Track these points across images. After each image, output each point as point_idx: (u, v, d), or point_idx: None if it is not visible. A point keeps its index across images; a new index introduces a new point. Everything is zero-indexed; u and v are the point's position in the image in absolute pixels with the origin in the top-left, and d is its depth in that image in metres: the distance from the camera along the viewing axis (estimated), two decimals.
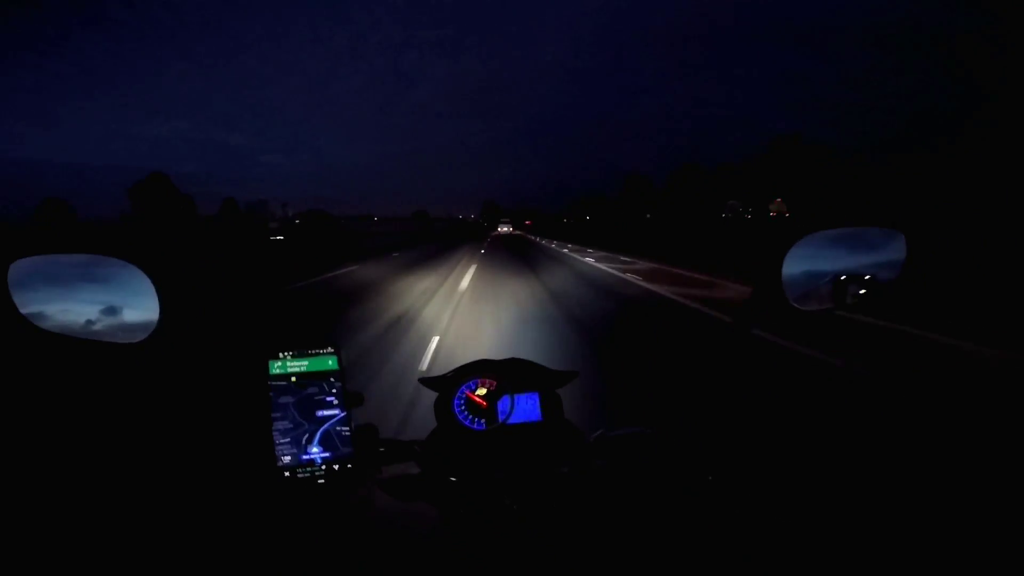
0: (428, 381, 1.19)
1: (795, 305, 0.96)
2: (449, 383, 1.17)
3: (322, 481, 0.96)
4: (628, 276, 15.32)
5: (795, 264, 0.97)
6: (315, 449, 0.97)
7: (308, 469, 0.96)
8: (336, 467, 0.97)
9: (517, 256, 25.57)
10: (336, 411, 0.99)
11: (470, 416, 1.15)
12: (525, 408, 1.16)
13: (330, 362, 1.00)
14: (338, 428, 0.98)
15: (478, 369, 1.19)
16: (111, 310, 0.94)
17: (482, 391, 1.16)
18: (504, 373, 1.17)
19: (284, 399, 0.97)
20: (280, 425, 0.96)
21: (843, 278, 1.00)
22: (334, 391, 0.99)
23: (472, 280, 14.50)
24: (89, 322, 0.94)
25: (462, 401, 1.16)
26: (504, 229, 75.22)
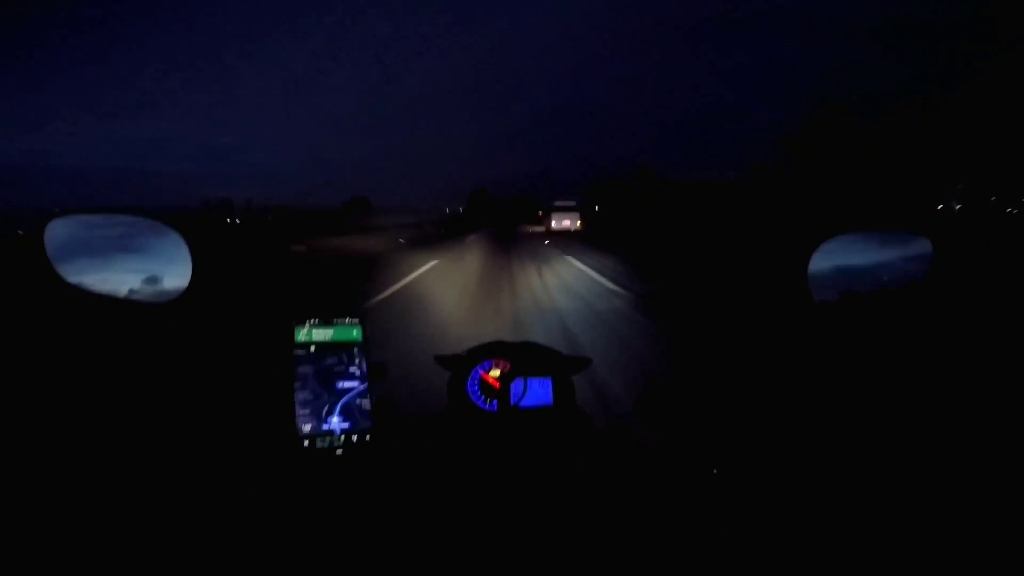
0: (443, 360, 1.20)
1: (822, 306, 0.96)
2: (464, 363, 1.18)
3: (340, 452, 0.98)
4: None
5: (823, 262, 0.96)
6: (335, 419, 0.98)
7: (327, 439, 0.97)
8: (355, 438, 0.99)
9: None
10: (356, 383, 1.00)
11: (483, 397, 1.16)
12: (538, 392, 1.17)
13: (354, 332, 1.01)
14: (358, 401, 0.99)
15: (493, 351, 1.19)
16: (145, 269, 0.97)
17: (496, 372, 1.17)
18: (518, 356, 1.18)
19: (304, 369, 0.98)
20: (300, 395, 0.97)
21: (866, 278, 1.00)
22: (356, 362, 1.00)
23: None
24: (124, 279, 0.97)
25: (476, 381, 1.17)
26: (565, 223, 28.86)
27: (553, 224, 28.55)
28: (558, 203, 30.75)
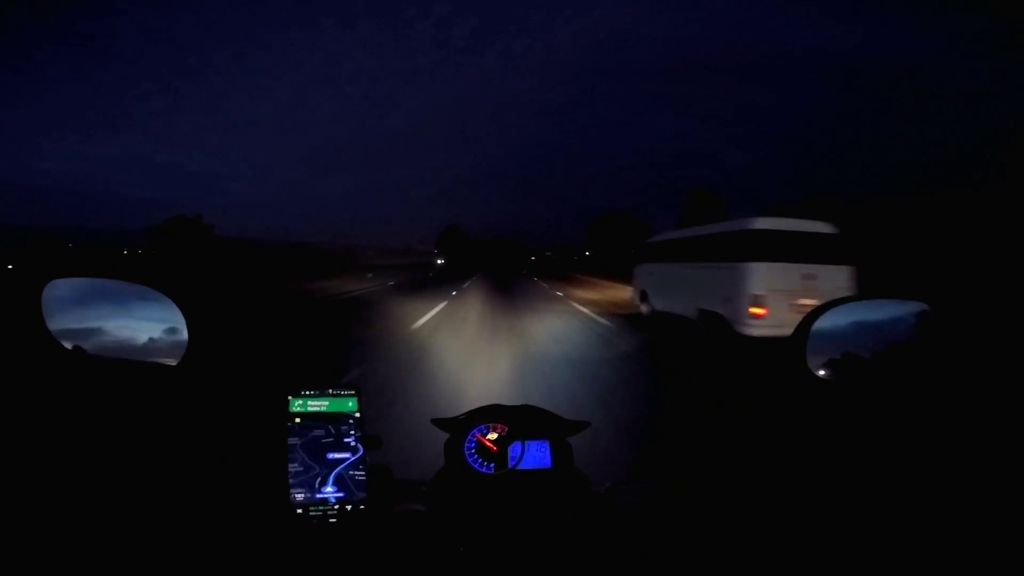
0: (440, 422, 1.19)
1: (816, 375, 0.97)
2: (461, 425, 1.17)
3: (334, 520, 0.96)
4: None
5: (821, 341, 0.97)
6: (329, 489, 0.97)
7: (321, 508, 0.96)
8: (349, 508, 0.97)
9: None
10: (348, 454, 0.99)
11: (480, 460, 1.14)
12: (535, 455, 1.16)
13: (350, 404, 1.01)
14: (351, 472, 0.98)
15: (490, 414, 1.19)
16: (166, 319, 0.97)
17: (493, 436, 1.16)
18: (516, 419, 1.17)
19: (297, 439, 0.97)
20: (293, 465, 0.96)
21: (865, 352, 1.01)
22: (352, 433, 0.99)
23: None
24: (122, 344, 0.96)
25: (473, 444, 1.15)
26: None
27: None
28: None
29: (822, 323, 0.97)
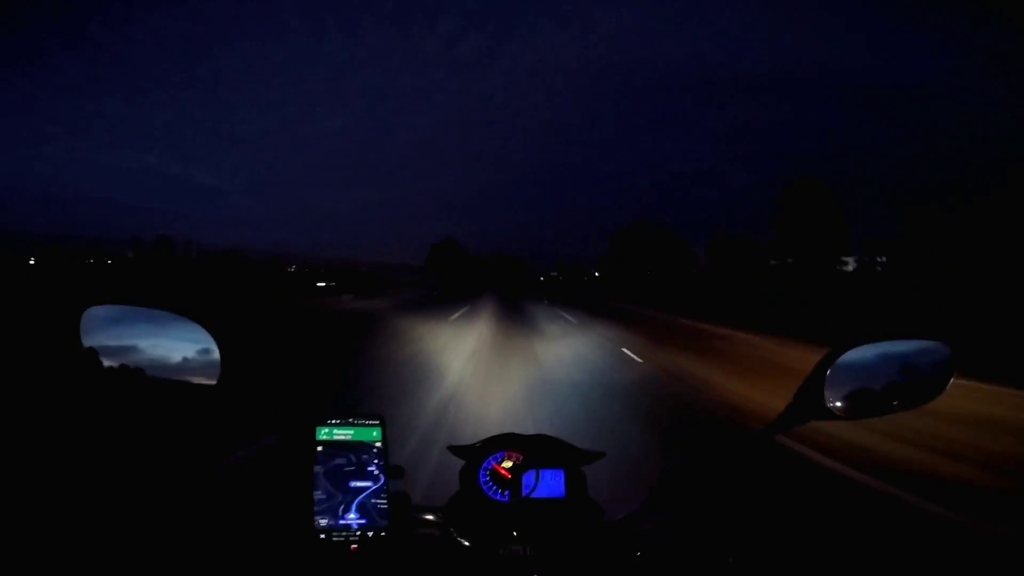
0: (456, 449, 1.21)
1: (835, 414, 0.97)
2: (476, 453, 1.19)
3: (356, 547, 0.99)
4: None
5: (839, 375, 0.98)
6: (352, 516, 1.00)
7: (343, 534, 0.99)
8: (370, 534, 1.00)
9: None
10: (371, 483, 1.02)
11: (495, 487, 1.16)
12: (550, 484, 1.17)
13: (375, 433, 1.04)
14: (374, 500, 1.01)
15: (506, 442, 1.20)
16: (200, 340, 1.00)
17: (508, 463, 1.18)
18: (531, 448, 1.19)
19: (323, 466, 1.00)
20: (318, 492, 0.99)
21: (881, 389, 1.01)
22: (376, 461, 1.02)
23: None
24: (178, 347, 0.99)
25: (488, 472, 1.17)
26: None
27: None
28: None
29: (843, 357, 0.98)
